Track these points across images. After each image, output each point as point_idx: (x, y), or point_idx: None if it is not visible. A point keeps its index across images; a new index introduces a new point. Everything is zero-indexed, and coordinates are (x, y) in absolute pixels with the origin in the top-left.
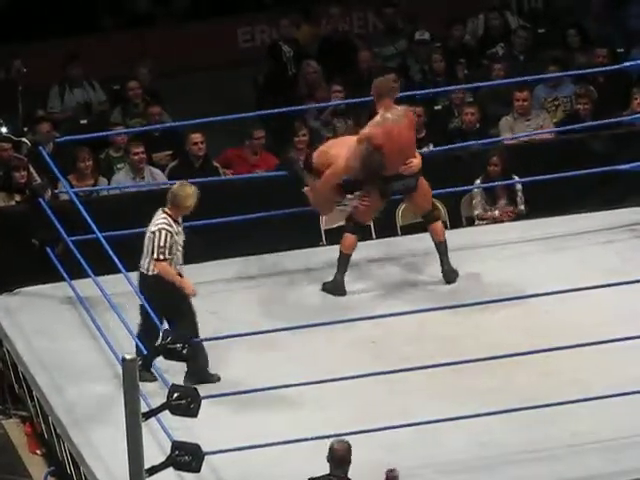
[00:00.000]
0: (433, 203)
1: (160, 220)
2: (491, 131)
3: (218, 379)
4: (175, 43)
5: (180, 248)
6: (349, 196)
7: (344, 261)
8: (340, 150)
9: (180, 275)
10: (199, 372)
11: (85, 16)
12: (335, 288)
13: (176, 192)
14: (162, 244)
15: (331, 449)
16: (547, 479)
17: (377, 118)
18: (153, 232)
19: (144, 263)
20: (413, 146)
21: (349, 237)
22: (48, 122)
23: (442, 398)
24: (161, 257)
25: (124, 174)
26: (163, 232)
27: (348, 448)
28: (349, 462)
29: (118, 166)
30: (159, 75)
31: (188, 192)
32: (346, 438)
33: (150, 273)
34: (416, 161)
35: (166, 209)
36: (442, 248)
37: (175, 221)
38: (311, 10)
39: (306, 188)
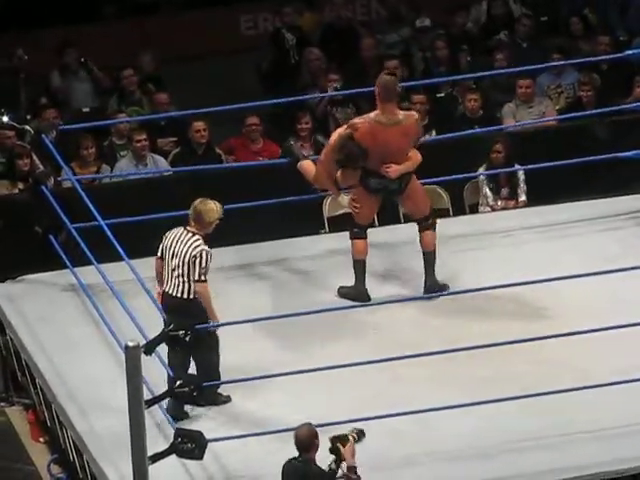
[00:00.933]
0: (432, 212)
1: (198, 242)
2: (494, 118)
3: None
4: (177, 31)
5: None
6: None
7: (360, 268)
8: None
9: None
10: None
11: (87, 4)
12: (358, 296)
13: (199, 209)
14: (204, 265)
15: (294, 434)
16: (546, 466)
17: (371, 115)
18: (195, 255)
19: (176, 288)
20: (401, 153)
21: (357, 242)
22: (52, 110)
23: (444, 386)
24: (203, 278)
25: (127, 161)
26: (204, 253)
27: (311, 433)
28: (315, 446)
29: (121, 153)
30: (161, 63)
31: (211, 207)
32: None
33: (187, 296)
34: (395, 167)
35: (190, 228)
36: (429, 258)
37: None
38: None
39: (301, 163)
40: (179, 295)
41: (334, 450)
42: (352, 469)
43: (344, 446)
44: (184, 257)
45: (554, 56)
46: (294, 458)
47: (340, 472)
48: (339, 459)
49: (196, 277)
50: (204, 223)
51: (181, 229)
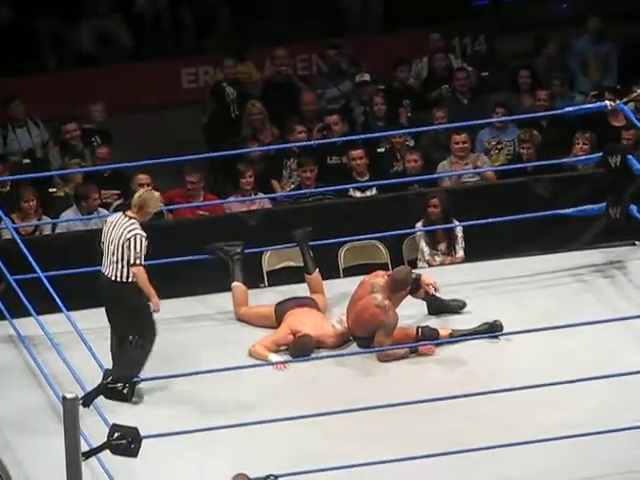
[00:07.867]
0: None
1: (133, 226)
2: (432, 174)
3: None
4: (119, 83)
5: None
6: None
7: None
8: None
9: None
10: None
11: (28, 56)
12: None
13: (144, 197)
14: (138, 249)
15: None
16: None
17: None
18: (128, 239)
19: (113, 271)
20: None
21: None
22: None
23: (377, 441)
24: (138, 262)
25: (72, 212)
26: (138, 237)
27: None
28: None
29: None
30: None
31: (156, 197)
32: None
33: (123, 280)
34: None
35: (129, 213)
36: None
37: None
38: (246, 53)
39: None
40: (115, 278)
41: None
42: None
43: None
44: (119, 240)
45: (497, 110)
46: None
47: None
48: None
49: (131, 261)
50: (145, 211)
51: (120, 214)
